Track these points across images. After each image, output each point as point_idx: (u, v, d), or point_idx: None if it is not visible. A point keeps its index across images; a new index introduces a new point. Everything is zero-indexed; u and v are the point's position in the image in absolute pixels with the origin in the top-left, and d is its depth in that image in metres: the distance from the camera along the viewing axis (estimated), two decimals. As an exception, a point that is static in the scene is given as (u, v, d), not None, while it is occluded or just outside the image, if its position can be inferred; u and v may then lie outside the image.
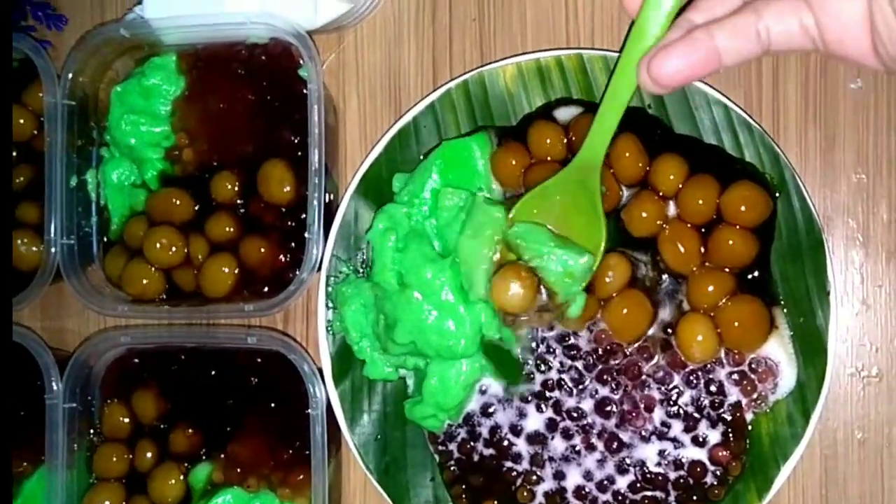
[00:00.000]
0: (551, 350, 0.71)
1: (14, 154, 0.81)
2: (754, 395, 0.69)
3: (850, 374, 0.72)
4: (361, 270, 0.75)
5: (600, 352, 0.71)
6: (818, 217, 0.68)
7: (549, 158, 0.72)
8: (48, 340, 0.80)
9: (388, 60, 0.80)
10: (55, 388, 0.77)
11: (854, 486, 0.72)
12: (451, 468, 0.74)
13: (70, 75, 0.78)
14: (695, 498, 0.70)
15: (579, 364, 0.71)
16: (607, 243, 0.68)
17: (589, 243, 0.68)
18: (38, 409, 0.77)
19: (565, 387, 0.71)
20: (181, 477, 0.77)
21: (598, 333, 0.71)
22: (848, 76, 0.72)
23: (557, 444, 0.72)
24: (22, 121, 0.81)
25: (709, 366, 0.70)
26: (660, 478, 0.70)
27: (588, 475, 0.71)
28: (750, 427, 0.69)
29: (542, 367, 0.72)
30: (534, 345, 0.72)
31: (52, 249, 0.77)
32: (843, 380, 0.72)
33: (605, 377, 0.71)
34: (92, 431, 0.80)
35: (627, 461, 0.71)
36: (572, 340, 0.71)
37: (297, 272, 0.73)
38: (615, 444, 0.71)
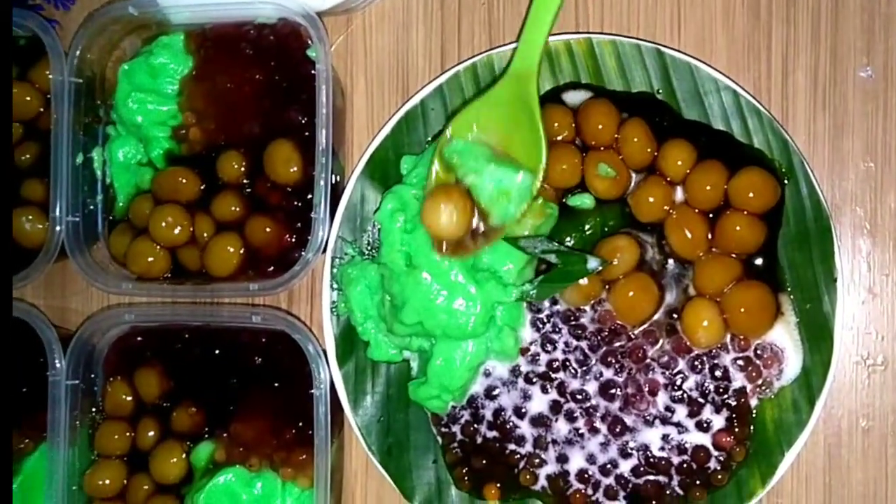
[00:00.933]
0: (558, 329, 0.71)
1: (20, 131, 0.81)
2: (759, 381, 0.69)
3: (855, 362, 0.72)
4: (367, 252, 0.75)
5: (605, 332, 0.71)
6: (826, 204, 0.68)
7: (559, 139, 0.71)
8: (52, 318, 0.80)
9: (396, 43, 0.79)
10: (58, 365, 0.77)
11: (858, 474, 0.72)
12: (454, 450, 0.74)
13: (77, 53, 0.77)
14: (698, 483, 0.70)
15: (584, 344, 0.71)
16: (548, 161, 0.68)
17: (530, 161, 0.68)
18: (41, 386, 0.77)
19: (570, 368, 0.71)
20: (183, 455, 0.77)
21: (602, 313, 0.71)
22: (858, 64, 0.72)
23: (561, 427, 0.72)
24: (28, 98, 0.81)
25: (714, 351, 0.70)
26: (663, 462, 0.70)
27: (591, 458, 0.71)
28: (754, 413, 0.69)
29: (548, 347, 0.71)
30: (540, 324, 0.72)
31: (58, 227, 0.77)
32: (849, 368, 0.72)
33: (609, 359, 0.71)
34: (94, 409, 0.80)
35: (631, 445, 0.71)
36: (580, 320, 0.71)
37: (303, 252, 0.73)
38: (619, 428, 0.70)
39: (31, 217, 0.80)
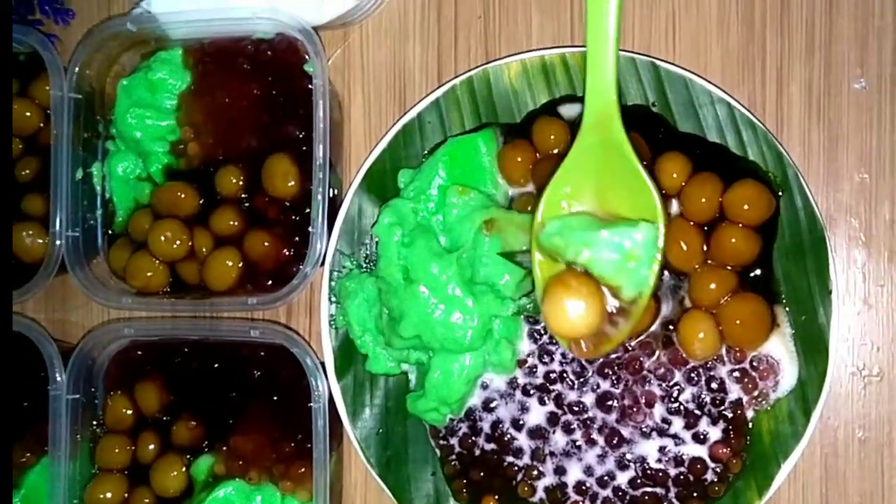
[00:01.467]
0: (554, 341, 0.71)
1: (20, 146, 0.82)
2: (755, 393, 0.69)
3: (851, 372, 0.72)
4: (365, 265, 0.75)
5: (602, 344, 0.71)
6: (821, 216, 0.68)
7: (555, 152, 0.71)
8: (52, 332, 0.81)
9: (393, 57, 0.80)
10: (59, 379, 0.77)
11: (854, 485, 0.72)
12: (453, 462, 0.74)
13: (77, 69, 0.78)
14: (695, 494, 0.70)
15: (581, 356, 0.72)
16: (664, 202, 0.61)
17: (642, 211, 0.61)
18: (42, 400, 0.77)
19: (567, 379, 0.72)
20: (183, 469, 0.78)
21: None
22: (852, 76, 0.72)
23: (558, 439, 0.72)
24: (28, 114, 0.81)
25: (710, 363, 0.70)
26: (660, 474, 0.70)
27: (589, 470, 0.71)
28: (751, 424, 0.70)
29: (545, 359, 0.72)
30: (537, 335, 0.72)
31: (58, 242, 0.77)
32: (845, 379, 0.72)
33: (606, 371, 0.71)
34: (95, 423, 0.80)
35: (628, 457, 0.71)
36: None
37: (301, 266, 0.74)
38: (616, 440, 0.71)
39: (31, 232, 0.80)
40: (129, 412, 0.80)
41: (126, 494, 0.79)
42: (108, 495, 0.78)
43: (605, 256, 0.58)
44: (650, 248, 0.59)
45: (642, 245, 0.58)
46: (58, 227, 0.77)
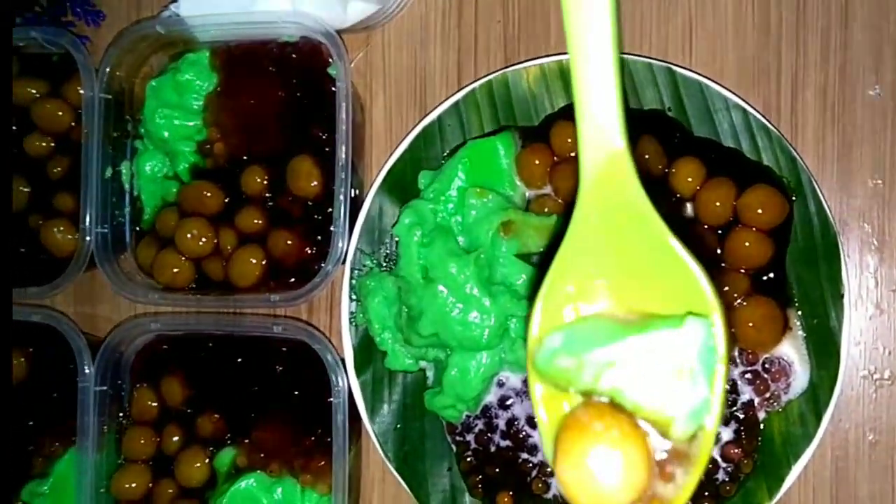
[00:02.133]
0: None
1: (52, 145, 0.84)
2: (767, 395, 0.70)
3: (862, 376, 0.73)
4: (384, 264, 0.77)
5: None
6: (834, 221, 0.69)
7: (572, 155, 0.73)
8: (81, 325, 0.83)
9: (414, 60, 0.81)
10: (87, 371, 0.79)
11: (865, 488, 0.73)
12: (468, 458, 0.75)
13: (107, 70, 0.80)
14: (706, 494, 0.71)
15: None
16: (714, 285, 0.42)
17: (683, 302, 0.41)
18: (71, 392, 0.80)
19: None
20: (206, 460, 0.80)
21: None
22: (867, 83, 0.73)
23: (572, 438, 0.73)
24: (60, 113, 0.83)
25: (722, 364, 0.70)
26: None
27: (602, 468, 0.72)
28: (762, 426, 0.71)
29: (559, 361, 0.73)
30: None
31: (87, 238, 0.79)
32: (856, 382, 0.73)
33: (619, 372, 0.71)
34: (121, 414, 0.82)
35: (640, 456, 0.72)
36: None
37: (323, 264, 0.75)
38: (628, 439, 0.72)
39: (62, 228, 0.82)
40: (155, 405, 0.81)
41: (150, 485, 0.81)
42: (134, 485, 0.80)
43: (640, 376, 0.39)
44: (707, 356, 0.40)
45: (696, 352, 0.39)
46: (88, 223, 0.79)
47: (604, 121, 0.42)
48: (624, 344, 0.39)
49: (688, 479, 0.40)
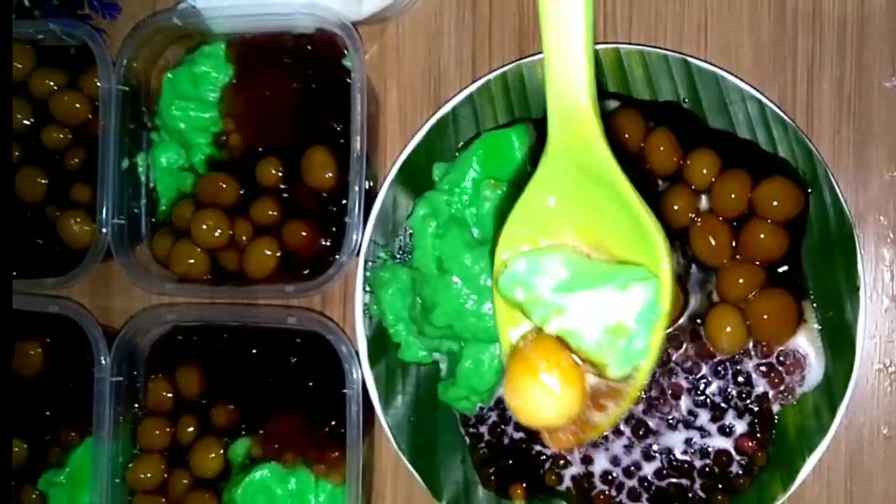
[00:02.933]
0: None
1: (69, 137, 0.84)
2: (781, 387, 0.70)
3: (877, 369, 0.73)
4: (399, 256, 0.77)
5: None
6: (850, 213, 0.69)
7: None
8: (96, 316, 0.83)
9: (428, 52, 0.81)
10: (103, 362, 0.80)
11: (879, 482, 0.72)
12: (482, 450, 0.76)
13: (124, 62, 0.80)
14: (720, 487, 0.71)
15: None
16: (669, 247, 0.45)
17: (639, 253, 0.45)
18: (87, 383, 0.80)
19: (594, 371, 0.72)
20: (221, 451, 0.80)
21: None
22: (883, 75, 0.73)
23: (585, 429, 0.73)
24: (77, 105, 0.83)
25: (737, 357, 0.71)
26: (686, 465, 0.71)
27: (615, 460, 0.73)
28: (776, 418, 0.70)
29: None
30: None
31: (104, 229, 0.80)
32: (871, 375, 0.73)
33: (633, 363, 0.72)
34: (137, 405, 0.83)
35: (654, 448, 0.72)
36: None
37: (337, 256, 0.75)
38: (642, 431, 0.72)
39: (78, 219, 0.83)
40: (170, 395, 0.82)
41: (165, 475, 0.81)
42: (149, 475, 0.81)
43: (583, 330, 0.44)
44: (649, 314, 0.43)
45: (637, 313, 0.43)
46: (104, 214, 0.80)
47: (572, 76, 0.44)
48: (573, 296, 0.44)
49: (618, 411, 0.46)
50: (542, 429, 0.46)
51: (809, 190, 0.70)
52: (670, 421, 0.72)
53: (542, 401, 0.44)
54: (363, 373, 0.76)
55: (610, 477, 0.73)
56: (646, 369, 0.45)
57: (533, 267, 0.46)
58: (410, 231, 0.75)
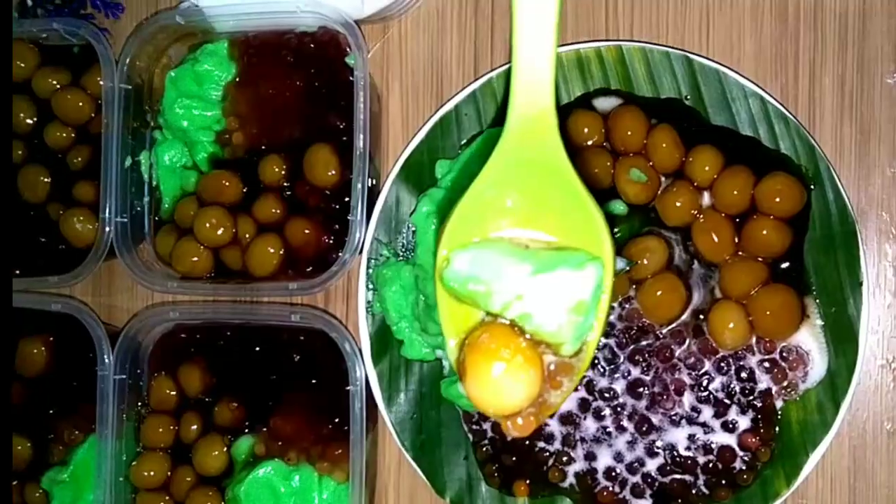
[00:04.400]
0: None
1: (73, 136, 0.84)
2: (784, 383, 0.70)
3: (880, 365, 0.73)
4: (402, 253, 0.77)
5: (633, 330, 0.72)
6: (852, 209, 0.69)
7: (589, 143, 0.73)
8: (99, 315, 0.83)
9: (431, 50, 0.82)
10: (106, 360, 0.80)
11: (883, 477, 0.73)
12: (485, 447, 0.76)
13: (127, 61, 0.81)
14: (724, 482, 0.71)
15: (612, 342, 0.73)
16: (612, 229, 0.49)
17: (582, 240, 0.48)
18: (90, 381, 0.80)
19: (599, 365, 0.73)
20: (224, 449, 0.80)
21: (630, 311, 0.72)
22: (885, 71, 0.73)
23: (589, 425, 0.73)
24: (81, 104, 0.84)
25: (740, 353, 0.71)
26: (689, 461, 0.72)
27: (619, 457, 0.73)
28: (780, 414, 0.71)
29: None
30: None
31: (107, 228, 0.80)
32: (874, 371, 0.73)
33: (637, 358, 0.72)
34: (140, 403, 0.83)
35: (658, 444, 0.72)
36: (608, 318, 0.72)
37: (340, 253, 0.76)
38: (645, 427, 0.72)
39: (81, 218, 0.83)
40: (173, 393, 0.82)
41: (169, 472, 0.81)
42: (152, 473, 0.81)
43: (543, 312, 0.45)
44: (598, 291, 0.46)
45: (590, 289, 0.46)
46: (107, 213, 0.80)
47: (538, 75, 0.47)
48: (533, 280, 0.45)
49: (571, 385, 0.47)
50: (505, 416, 0.46)
51: (812, 186, 0.70)
52: (673, 417, 0.72)
53: (510, 387, 0.45)
54: (366, 370, 0.76)
55: (613, 473, 0.73)
56: (593, 343, 0.48)
57: (478, 260, 0.47)
58: (413, 228, 0.75)
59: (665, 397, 0.72)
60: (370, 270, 0.77)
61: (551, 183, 0.48)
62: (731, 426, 0.71)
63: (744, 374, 0.71)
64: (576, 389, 0.72)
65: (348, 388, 0.75)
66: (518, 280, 0.46)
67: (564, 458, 0.74)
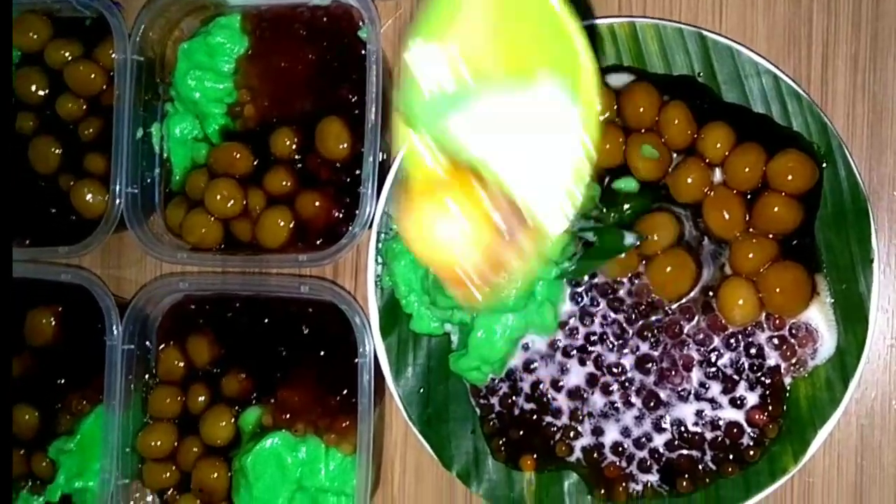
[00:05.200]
0: (596, 303, 0.73)
1: (84, 107, 0.84)
2: (793, 360, 0.70)
3: (889, 344, 0.73)
4: (412, 227, 0.77)
5: (642, 306, 0.72)
6: (864, 187, 0.69)
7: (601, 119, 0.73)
8: (108, 286, 0.83)
9: (444, 26, 0.81)
10: (115, 331, 0.80)
11: (890, 455, 0.73)
12: (492, 421, 0.76)
13: (140, 33, 0.81)
14: (731, 458, 0.71)
15: (621, 317, 0.73)
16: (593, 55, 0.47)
17: (559, 62, 0.46)
18: (99, 351, 0.80)
19: (608, 341, 0.73)
20: (232, 420, 0.80)
21: (639, 286, 0.72)
22: (898, 50, 0.73)
23: (597, 400, 0.73)
24: (93, 76, 0.84)
25: (749, 329, 0.71)
26: (696, 437, 0.72)
27: (626, 431, 0.73)
28: (788, 391, 0.71)
29: (587, 321, 0.73)
30: (578, 298, 0.73)
31: (117, 199, 0.80)
32: (883, 350, 0.73)
33: (645, 333, 0.72)
34: (148, 374, 0.83)
35: (665, 419, 0.72)
36: (618, 293, 0.73)
37: (350, 226, 0.76)
38: (653, 402, 0.72)
39: (92, 189, 0.83)
40: (181, 364, 0.82)
41: (176, 443, 0.81)
42: (159, 443, 0.81)
43: (505, 152, 0.41)
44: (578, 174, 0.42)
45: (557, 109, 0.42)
46: (118, 184, 0.80)
47: None
48: (495, 110, 0.43)
49: (532, 249, 0.45)
50: (446, 275, 0.44)
51: (824, 163, 0.70)
52: (681, 392, 0.72)
53: (436, 228, 0.42)
54: (374, 344, 0.76)
55: (621, 448, 0.73)
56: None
57: (450, 96, 0.45)
58: (424, 202, 0.75)
59: (673, 373, 0.72)
60: (380, 244, 0.77)
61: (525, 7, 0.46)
62: (739, 402, 0.71)
63: (753, 351, 0.71)
64: (583, 363, 0.73)
65: (356, 360, 0.75)
66: (480, 113, 0.43)
67: (572, 433, 0.74)
